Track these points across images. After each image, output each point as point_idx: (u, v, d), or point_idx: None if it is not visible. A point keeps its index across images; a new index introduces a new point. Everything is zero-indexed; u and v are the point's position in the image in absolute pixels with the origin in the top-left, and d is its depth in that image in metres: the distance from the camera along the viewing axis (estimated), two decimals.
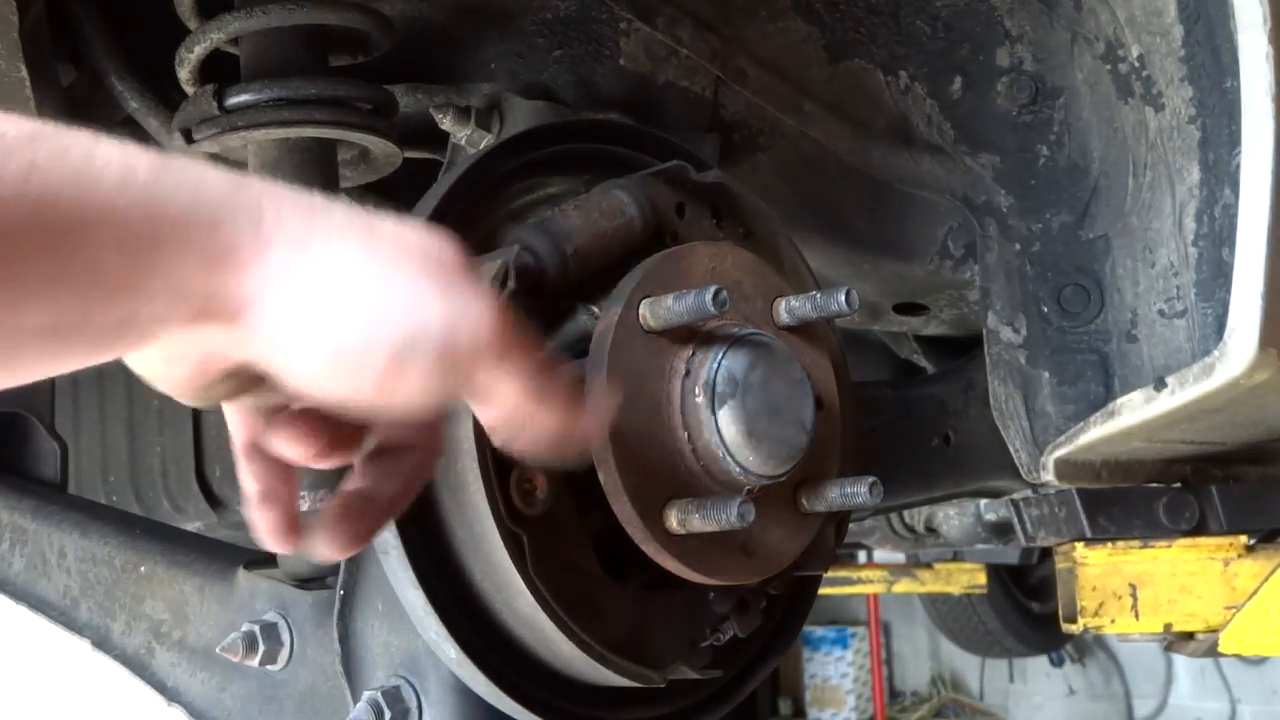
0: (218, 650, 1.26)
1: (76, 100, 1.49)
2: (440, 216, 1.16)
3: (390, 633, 1.18)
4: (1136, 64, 1.48)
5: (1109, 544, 2.45)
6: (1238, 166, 1.31)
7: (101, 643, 1.44)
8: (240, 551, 1.42)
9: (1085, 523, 2.46)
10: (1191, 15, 1.39)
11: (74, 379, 2.60)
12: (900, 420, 1.97)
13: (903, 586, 5.58)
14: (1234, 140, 1.36)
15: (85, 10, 1.44)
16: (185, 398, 0.80)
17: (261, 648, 1.25)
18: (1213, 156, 1.41)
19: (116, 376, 2.54)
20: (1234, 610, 2.33)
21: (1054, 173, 1.62)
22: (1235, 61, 1.28)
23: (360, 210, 0.75)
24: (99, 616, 1.45)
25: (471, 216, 1.20)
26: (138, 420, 2.51)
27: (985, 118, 1.66)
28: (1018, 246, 1.63)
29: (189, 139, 1.35)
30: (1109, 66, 1.51)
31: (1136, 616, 2.41)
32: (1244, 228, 1.28)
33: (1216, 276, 1.42)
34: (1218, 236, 1.42)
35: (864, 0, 1.65)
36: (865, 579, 5.59)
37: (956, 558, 5.46)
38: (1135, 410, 1.46)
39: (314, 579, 1.29)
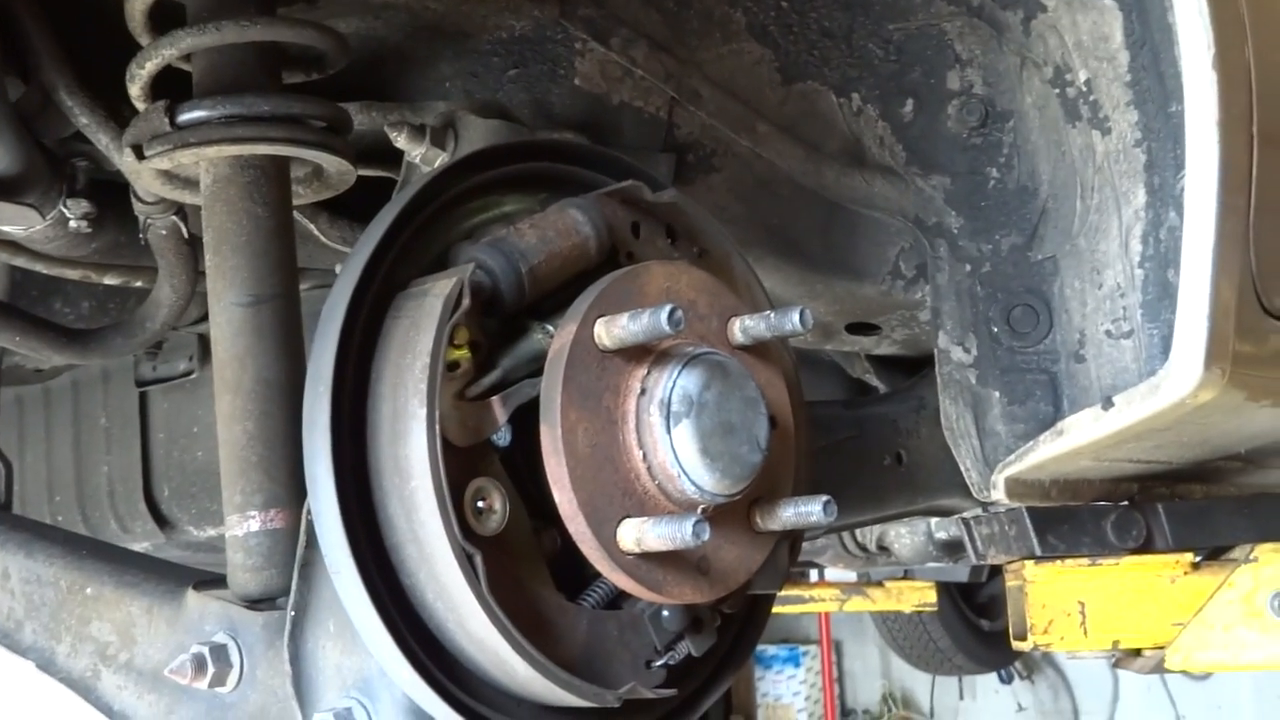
0: (166, 672, 1.25)
1: (25, 115, 1.47)
2: (394, 235, 1.15)
3: (342, 653, 1.17)
4: (1084, 88, 1.50)
5: (1058, 562, 2.47)
6: (1183, 190, 1.33)
7: (46, 665, 1.41)
8: (189, 572, 1.40)
9: (1035, 541, 2.48)
10: (1138, 41, 1.42)
11: (19, 397, 2.56)
12: (853, 439, 1.98)
13: (854, 605, 5.60)
14: (1179, 164, 1.38)
15: (34, 24, 1.43)
16: None
17: (211, 669, 1.24)
18: (1158, 180, 1.44)
19: (63, 395, 2.51)
20: (1180, 627, 2.35)
21: (1003, 195, 1.64)
22: (1180, 87, 1.31)
23: None
24: (44, 639, 1.42)
25: (426, 235, 1.19)
26: (84, 439, 2.48)
27: (936, 140, 1.68)
28: (968, 267, 1.65)
29: (140, 155, 1.34)
30: (1057, 90, 1.53)
31: (1085, 633, 2.43)
32: (1189, 250, 1.30)
33: (1162, 298, 1.45)
34: (1163, 258, 1.45)
35: (817, 23, 1.67)
36: (817, 597, 5.61)
37: (907, 576, 5.49)
38: (1083, 429, 1.48)
39: (264, 599, 1.28)
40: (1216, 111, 1.28)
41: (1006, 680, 7.19)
